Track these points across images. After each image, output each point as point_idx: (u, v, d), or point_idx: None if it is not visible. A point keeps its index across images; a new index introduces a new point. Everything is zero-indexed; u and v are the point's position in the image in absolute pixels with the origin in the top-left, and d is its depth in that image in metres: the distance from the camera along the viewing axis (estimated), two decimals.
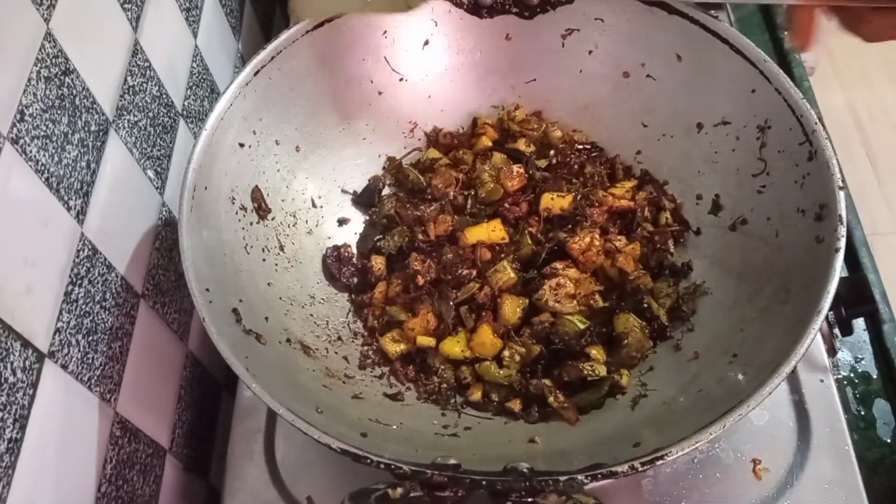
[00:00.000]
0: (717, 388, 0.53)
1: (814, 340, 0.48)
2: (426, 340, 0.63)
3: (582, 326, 0.61)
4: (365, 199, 0.72)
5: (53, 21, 0.49)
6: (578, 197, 0.68)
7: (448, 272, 0.65)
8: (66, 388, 0.48)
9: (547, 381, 0.60)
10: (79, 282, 0.50)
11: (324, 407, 0.53)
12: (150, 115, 0.63)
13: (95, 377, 0.51)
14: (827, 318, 0.50)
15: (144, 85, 0.62)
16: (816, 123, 0.56)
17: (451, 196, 0.70)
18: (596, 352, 0.61)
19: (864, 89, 1.84)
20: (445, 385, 0.62)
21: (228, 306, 0.55)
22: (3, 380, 0.41)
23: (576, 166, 0.72)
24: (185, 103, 0.71)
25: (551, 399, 0.58)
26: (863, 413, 0.68)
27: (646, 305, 0.62)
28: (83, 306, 0.50)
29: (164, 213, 0.65)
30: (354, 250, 0.70)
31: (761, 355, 0.51)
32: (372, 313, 0.66)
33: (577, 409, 0.58)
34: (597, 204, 0.68)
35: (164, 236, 0.64)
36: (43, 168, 0.47)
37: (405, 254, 0.68)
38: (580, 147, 0.74)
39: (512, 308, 0.62)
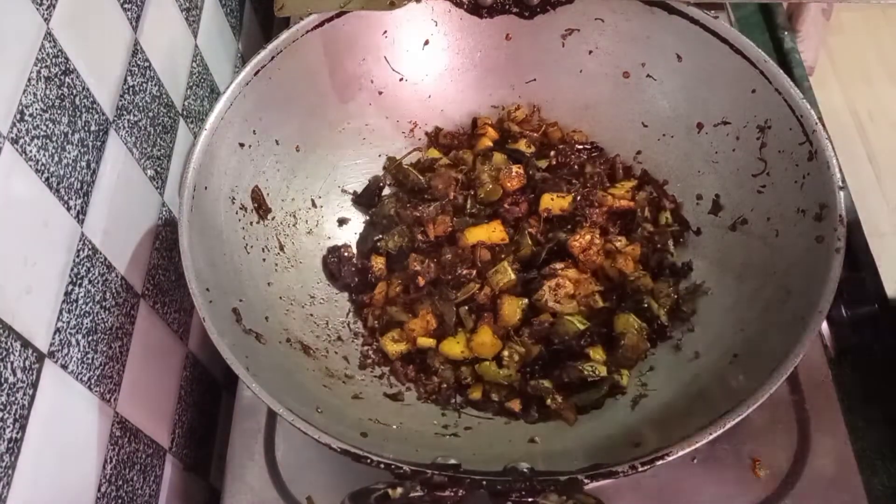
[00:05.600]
0: (718, 388, 0.53)
1: (814, 341, 0.48)
2: (426, 341, 0.63)
3: (582, 327, 0.61)
4: (365, 199, 0.72)
5: (53, 21, 0.49)
6: (578, 197, 0.67)
7: (448, 272, 0.65)
8: (66, 388, 0.48)
9: (545, 383, 0.60)
10: (79, 282, 0.50)
11: (324, 407, 0.53)
12: (150, 114, 0.63)
13: (95, 377, 0.51)
14: (827, 318, 0.50)
15: (144, 85, 0.62)
16: (817, 123, 0.56)
17: (451, 196, 0.70)
18: (595, 352, 0.61)
19: (864, 89, 1.84)
20: (445, 385, 0.62)
21: (228, 306, 0.55)
22: (3, 380, 0.41)
23: (576, 166, 0.72)
24: (185, 103, 0.71)
25: (549, 401, 0.58)
26: (863, 413, 0.68)
27: (646, 306, 0.61)
28: (83, 306, 0.50)
29: (164, 212, 0.65)
30: (354, 250, 0.70)
31: (761, 355, 0.51)
32: (372, 313, 0.66)
33: (576, 410, 0.58)
34: (597, 204, 0.68)
35: (164, 236, 0.64)
36: (43, 168, 0.47)
37: (405, 254, 0.68)
38: (580, 147, 0.74)
39: (512, 309, 0.62)
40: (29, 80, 0.46)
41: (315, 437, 0.47)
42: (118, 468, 0.53)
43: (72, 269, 0.50)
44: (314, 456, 0.61)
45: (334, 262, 0.68)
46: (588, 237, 0.65)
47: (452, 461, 0.47)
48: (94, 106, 0.54)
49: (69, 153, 0.50)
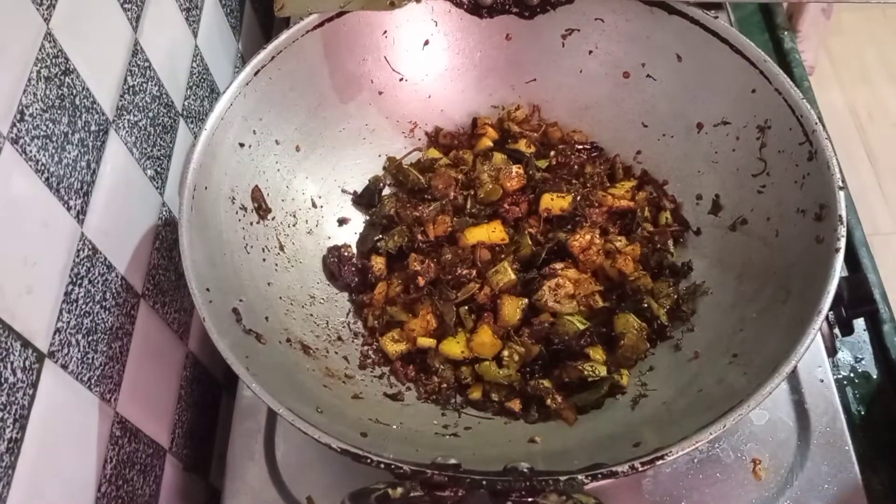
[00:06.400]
0: (717, 388, 0.53)
1: (814, 340, 0.48)
2: (426, 341, 0.63)
3: (582, 327, 0.61)
4: (365, 199, 0.72)
5: (53, 21, 0.49)
6: (578, 197, 0.68)
7: (448, 272, 0.65)
8: (66, 388, 0.48)
9: (545, 383, 0.60)
10: (79, 282, 0.50)
11: (324, 407, 0.53)
12: (151, 114, 0.63)
13: (95, 377, 0.51)
14: (827, 318, 0.50)
15: (144, 85, 0.62)
16: (816, 123, 0.56)
17: (451, 196, 0.70)
18: (595, 352, 0.61)
19: (864, 89, 1.84)
20: (445, 385, 0.62)
21: (228, 306, 0.55)
22: (3, 380, 0.41)
23: (576, 167, 0.72)
24: (185, 103, 0.71)
25: (549, 401, 0.58)
26: (863, 413, 0.68)
27: (646, 306, 0.61)
28: (83, 306, 0.50)
29: (164, 212, 0.65)
30: (354, 250, 0.70)
31: (761, 355, 0.51)
32: (372, 313, 0.66)
33: (575, 410, 0.58)
34: (597, 204, 0.68)
35: (164, 236, 0.64)
36: (43, 168, 0.47)
37: (405, 254, 0.68)
38: (580, 147, 0.74)
39: (512, 309, 0.62)
40: (29, 80, 0.46)
41: (315, 437, 0.47)
42: (118, 468, 0.53)
43: (72, 269, 0.50)
44: (314, 456, 0.61)
45: (334, 262, 0.68)
46: (588, 237, 0.65)
47: (452, 461, 0.46)
48: (94, 106, 0.54)
49: (69, 153, 0.50)
